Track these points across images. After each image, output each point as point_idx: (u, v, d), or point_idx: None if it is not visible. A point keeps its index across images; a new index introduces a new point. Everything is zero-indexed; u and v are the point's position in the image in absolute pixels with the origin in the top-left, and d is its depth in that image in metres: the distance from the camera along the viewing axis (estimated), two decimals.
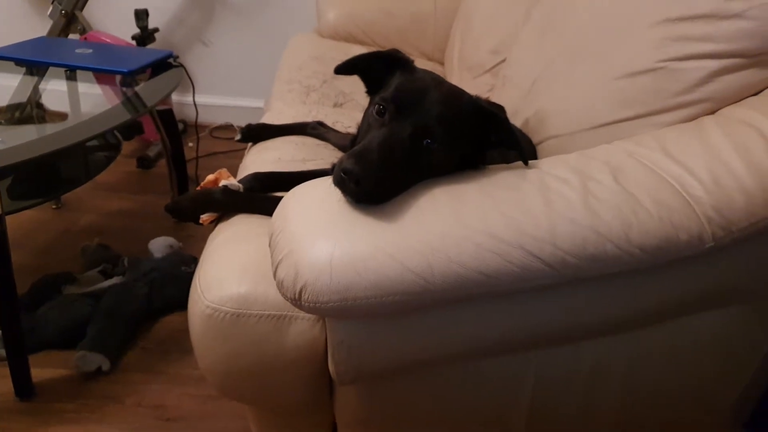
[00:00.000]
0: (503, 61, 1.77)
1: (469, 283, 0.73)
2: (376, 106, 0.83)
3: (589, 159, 0.86)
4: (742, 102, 0.93)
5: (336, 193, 0.78)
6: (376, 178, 0.74)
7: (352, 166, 0.72)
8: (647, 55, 1.03)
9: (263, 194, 1.14)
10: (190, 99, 3.09)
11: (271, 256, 0.79)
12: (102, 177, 2.49)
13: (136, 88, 1.78)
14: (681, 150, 0.84)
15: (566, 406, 1.03)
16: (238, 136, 1.49)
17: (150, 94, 1.78)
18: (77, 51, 1.91)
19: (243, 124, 1.52)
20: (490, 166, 0.90)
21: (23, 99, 1.88)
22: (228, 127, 3.04)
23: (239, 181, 1.18)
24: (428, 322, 0.80)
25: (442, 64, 2.35)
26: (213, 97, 3.03)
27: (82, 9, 2.57)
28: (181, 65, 1.98)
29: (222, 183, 1.13)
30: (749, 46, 0.89)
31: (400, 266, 0.71)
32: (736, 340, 0.98)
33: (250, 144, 1.56)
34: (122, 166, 2.56)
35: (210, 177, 1.16)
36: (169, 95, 1.80)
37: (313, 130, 1.52)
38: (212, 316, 0.91)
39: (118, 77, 1.80)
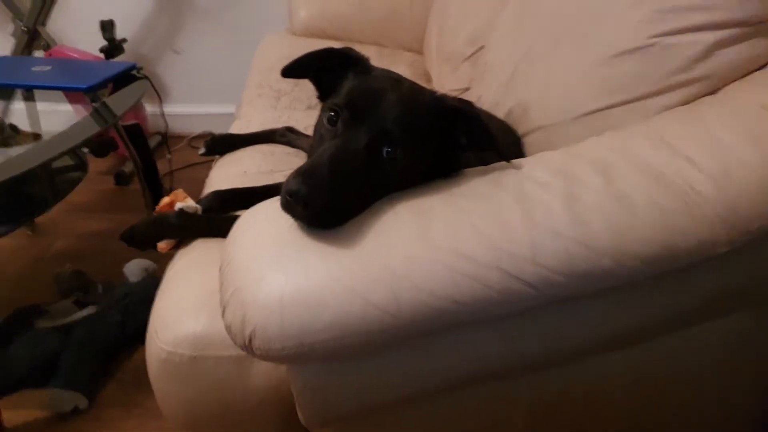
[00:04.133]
0: (482, 48, 1.67)
1: (442, 314, 0.63)
2: (327, 113, 0.73)
3: (575, 157, 0.77)
4: (746, 78, 0.83)
5: (287, 217, 0.68)
6: (327, 198, 0.64)
7: (298, 186, 0.63)
8: (635, 32, 0.93)
9: (222, 215, 1.05)
10: (165, 110, 3.01)
11: (220, 294, 0.69)
12: (77, 197, 2.41)
13: (97, 104, 1.68)
14: (680, 138, 0.74)
15: (566, 425, 0.93)
16: (201, 150, 1.40)
17: (111, 109, 1.68)
18: (34, 69, 1.80)
19: (224, 131, 1.43)
20: (465, 171, 0.80)
21: None
22: (207, 136, 2.92)
23: (198, 202, 1.08)
24: (399, 358, 0.70)
25: (421, 54, 2.25)
26: (189, 105, 2.93)
27: (44, 24, 2.47)
28: (146, 77, 1.88)
29: (177, 206, 1.03)
30: (751, 13, 0.79)
31: (361, 301, 0.62)
32: (748, 345, 0.88)
33: (217, 157, 1.46)
34: (98, 184, 2.46)
35: (165, 200, 1.07)
36: (131, 109, 1.69)
37: (282, 137, 1.42)
38: (168, 360, 0.82)
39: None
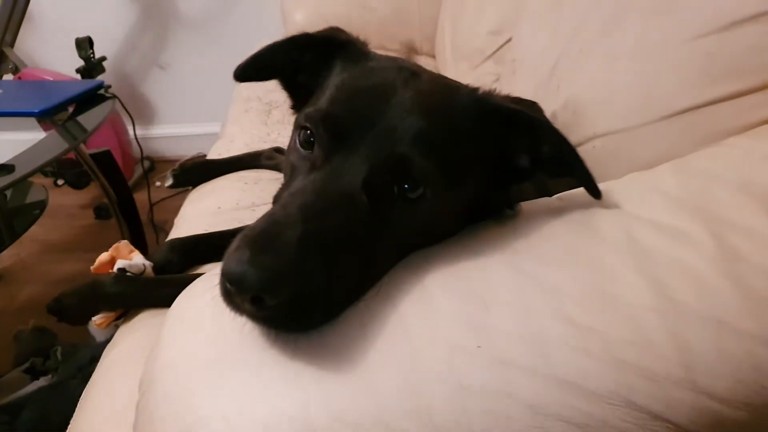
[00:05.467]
0: (508, 41, 1.39)
1: None
2: (300, 131, 0.44)
3: (706, 179, 0.47)
4: None
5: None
6: (297, 285, 0.35)
7: (243, 267, 0.34)
8: None
9: (177, 276, 0.76)
10: (155, 132, 2.76)
11: None
12: (52, 235, 2.16)
13: (53, 130, 1.41)
14: None
15: None
16: (168, 181, 1.12)
17: (72, 133, 1.42)
18: None
19: None
20: (524, 207, 0.51)
21: None
22: (201, 158, 2.67)
23: (151, 257, 0.80)
24: None
25: (433, 57, 1.97)
26: (179, 126, 2.68)
27: (11, 45, 2.23)
28: (115, 96, 1.62)
29: (118, 265, 0.75)
30: None
31: None
32: None
33: (190, 188, 1.18)
34: (78, 220, 2.22)
35: (104, 256, 0.78)
36: (93, 133, 1.43)
37: (269, 160, 1.14)
38: None
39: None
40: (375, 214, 0.41)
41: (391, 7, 2.05)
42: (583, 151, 0.89)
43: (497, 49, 1.44)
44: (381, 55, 0.50)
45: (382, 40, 2.07)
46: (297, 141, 0.44)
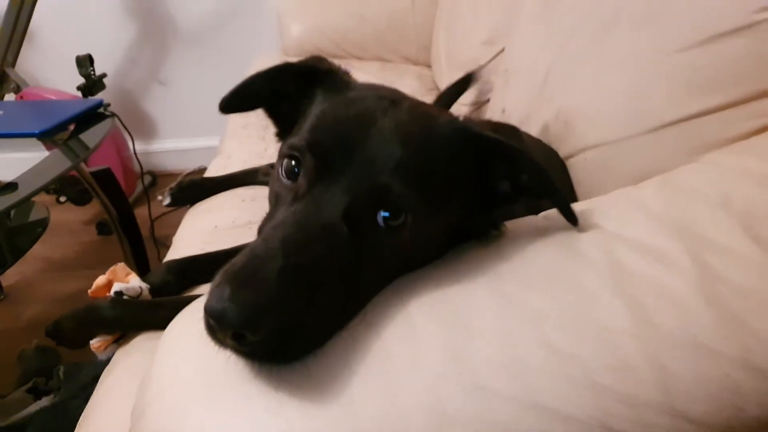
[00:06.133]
0: (502, 51, 1.39)
1: None
2: (284, 160, 0.45)
3: (687, 196, 0.47)
4: None
5: None
6: (279, 319, 0.36)
7: (224, 304, 0.35)
8: (732, 5, 0.64)
9: (173, 298, 0.77)
10: (156, 146, 2.78)
11: None
12: (55, 252, 2.18)
13: (55, 149, 1.43)
14: None
15: None
16: (166, 200, 1.13)
17: (74, 151, 1.43)
18: None
19: None
20: (509, 227, 0.52)
21: None
22: (203, 172, 2.68)
23: (148, 279, 0.81)
24: None
25: (429, 67, 1.98)
26: (181, 140, 2.70)
27: (13, 65, 2.24)
28: (114, 114, 1.63)
29: (115, 288, 0.76)
30: None
31: None
32: None
33: (188, 206, 1.19)
34: (81, 236, 2.23)
35: (100, 280, 0.79)
36: (93, 151, 1.44)
37: (266, 176, 1.15)
38: None
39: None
40: (357, 243, 0.41)
41: (387, 19, 2.05)
42: (575, 162, 0.90)
43: (492, 59, 1.45)
44: (362, 84, 0.51)
45: (379, 51, 2.08)
46: (281, 170, 0.45)
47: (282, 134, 0.54)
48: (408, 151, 0.42)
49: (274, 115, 0.55)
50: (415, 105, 0.48)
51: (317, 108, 0.47)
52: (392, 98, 0.47)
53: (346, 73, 0.52)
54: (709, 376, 0.35)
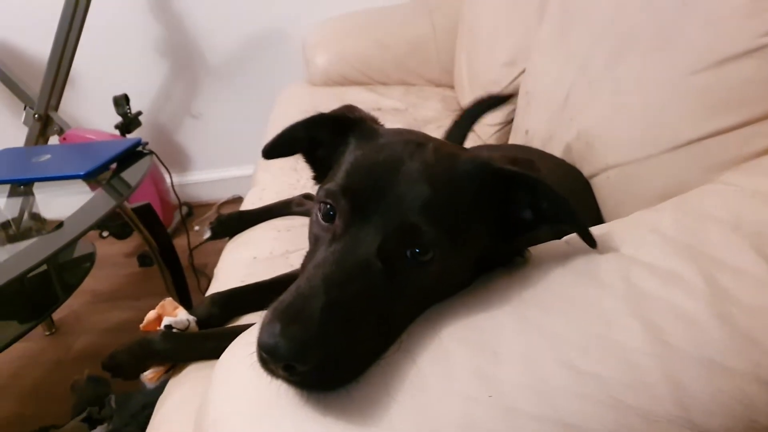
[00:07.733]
0: (523, 72, 1.43)
1: None
2: (320, 205, 0.49)
3: (700, 218, 0.50)
4: None
5: None
6: (324, 350, 0.40)
7: (276, 339, 0.39)
8: (738, 30, 0.67)
9: (220, 329, 0.82)
10: (191, 178, 2.88)
11: None
12: (100, 285, 2.26)
13: (99, 189, 1.51)
14: None
15: None
16: (206, 234, 1.19)
17: (118, 190, 1.51)
18: (34, 160, 1.66)
19: None
20: (532, 253, 0.55)
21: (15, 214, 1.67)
22: (237, 200, 2.77)
23: (194, 312, 0.86)
24: None
25: (452, 88, 2.02)
26: (216, 171, 2.79)
27: (56, 109, 2.36)
28: (152, 152, 1.71)
29: (165, 322, 0.81)
30: None
31: None
32: None
33: (228, 238, 1.25)
34: (123, 268, 2.32)
35: (151, 315, 0.85)
36: (135, 189, 1.52)
37: (300, 206, 1.20)
38: None
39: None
40: (390, 278, 0.45)
41: (406, 44, 2.10)
42: (598, 182, 0.93)
43: (513, 80, 1.48)
44: (389, 130, 0.55)
45: (402, 75, 2.13)
46: (318, 215, 0.49)
47: (318, 177, 0.59)
48: (433, 191, 0.46)
49: (311, 160, 0.60)
50: (440, 145, 0.52)
51: (350, 155, 0.52)
52: (418, 141, 0.51)
53: (375, 121, 0.56)
54: (724, 392, 0.38)
